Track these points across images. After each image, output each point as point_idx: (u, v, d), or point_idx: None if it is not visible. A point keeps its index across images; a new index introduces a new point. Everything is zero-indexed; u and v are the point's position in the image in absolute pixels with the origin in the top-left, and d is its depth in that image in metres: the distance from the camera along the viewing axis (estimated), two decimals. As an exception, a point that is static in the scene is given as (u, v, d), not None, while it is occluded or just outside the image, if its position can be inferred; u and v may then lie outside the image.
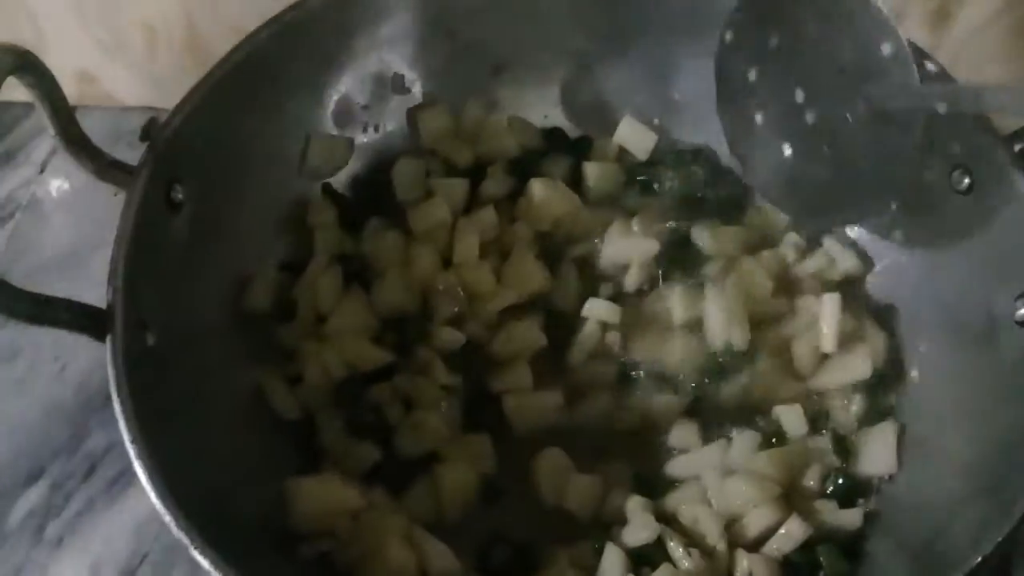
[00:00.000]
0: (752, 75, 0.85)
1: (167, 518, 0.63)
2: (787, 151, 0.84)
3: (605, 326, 0.90)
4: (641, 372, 0.89)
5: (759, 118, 0.85)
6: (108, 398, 0.93)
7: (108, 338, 0.69)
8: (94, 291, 0.71)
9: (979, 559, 0.63)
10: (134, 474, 0.89)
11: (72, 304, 0.70)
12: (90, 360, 0.99)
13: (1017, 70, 1.04)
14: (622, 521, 0.80)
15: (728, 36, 0.85)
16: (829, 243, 0.93)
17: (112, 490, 0.92)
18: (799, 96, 0.82)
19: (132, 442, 0.65)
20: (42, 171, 1.16)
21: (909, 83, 0.74)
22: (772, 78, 0.84)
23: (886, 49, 0.75)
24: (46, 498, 0.92)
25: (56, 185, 1.15)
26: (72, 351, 0.99)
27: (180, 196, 0.79)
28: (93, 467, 0.93)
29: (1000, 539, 0.63)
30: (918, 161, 0.78)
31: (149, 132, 0.78)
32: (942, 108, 0.71)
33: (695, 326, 0.89)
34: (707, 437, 0.86)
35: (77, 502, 0.92)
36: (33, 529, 0.90)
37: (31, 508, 0.91)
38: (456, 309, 0.89)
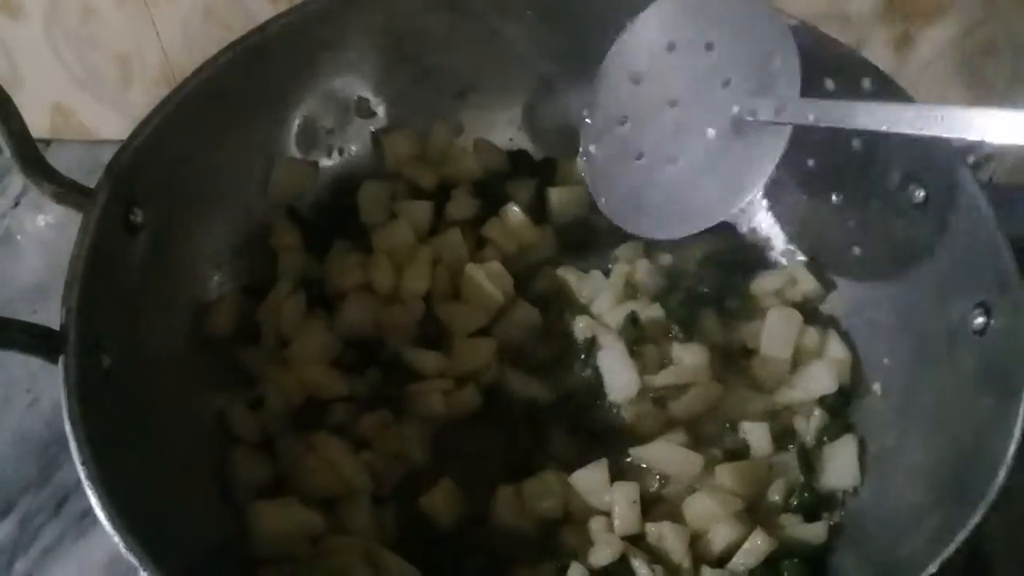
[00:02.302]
0: (634, 82, 0.84)
1: (116, 539, 0.62)
2: (640, 164, 0.83)
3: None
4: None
5: (623, 130, 0.85)
6: (78, 429, 0.95)
7: (60, 359, 0.68)
8: (65, 323, 0.70)
9: (936, 567, 0.62)
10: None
11: (25, 325, 0.69)
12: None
13: (978, 94, 1.05)
14: (587, 543, 0.80)
15: (623, 39, 0.85)
16: (792, 264, 0.94)
17: (82, 524, 0.91)
18: (670, 107, 0.82)
19: (83, 463, 0.64)
20: (16, 205, 1.17)
21: (791, 97, 0.75)
22: (651, 86, 0.83)
23: (779, 63, 0.76)
24: (15, 533, 0.91)
25: (30, 219, 1.16)
26: (43, 384, 0.99)
27: (139, 219, 0.79)
28: (63, 501, 0.93)
29: (957, 546, 0.63)
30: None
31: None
32: (818, 121, 0.73)
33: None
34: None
35: (46, 537, 0.91)
36: (1, 566, 0.89)
37: (-1, 543, 0.90)
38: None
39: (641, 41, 0.84)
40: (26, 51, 1.12)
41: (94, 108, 1.18)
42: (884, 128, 0.70)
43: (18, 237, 1.14)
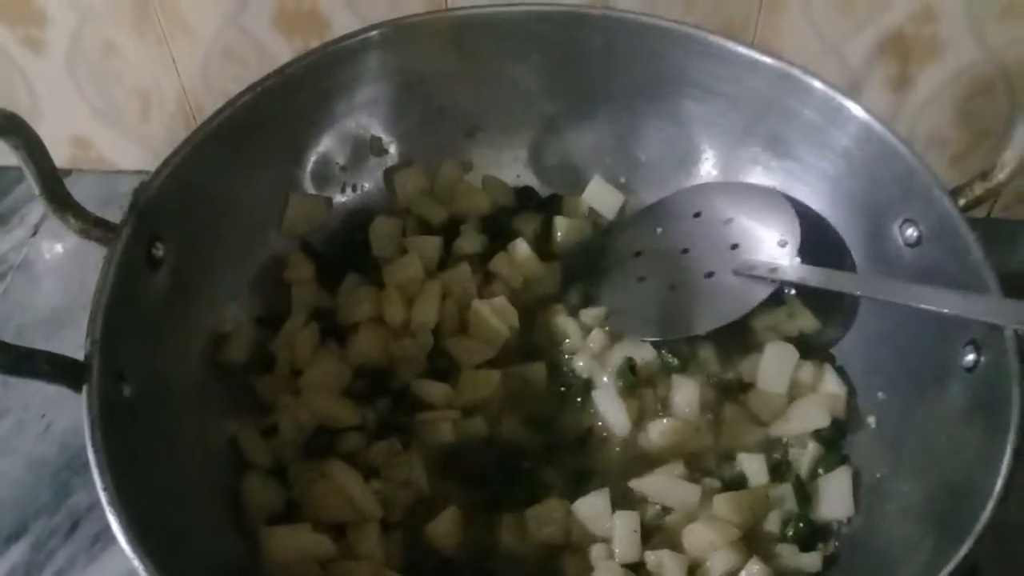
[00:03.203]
0: (657, 230, 1.00)
1: (136, 563, 0.64)
2: (640, 285, 0.97)
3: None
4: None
5: (635, 260, 0.99)
6: (92, 455, 0.96)
7: (84, 388, 0.70)
8: (81, 351, 0.72)
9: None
10: (116, 533, 0.93)
11: (51, 356, 0.71)
12: (74, 418, 0.96)
13: (974, 134, 1.08)
14: (588, 569, 0.82)
15: (661, 202, 1.01)
16: (789, 300, 0.96)
17: (94, 548, 0.93)
18: (681, 253, 0.97)
19: (104, 489, 0.66)
20: (35, 233, 1.19)
21: (787, 263, 0.90)
22: (670, 236, 0.99)
23: (782, 240, 0.92)
24: (28, 556, 0.92)
25: (48, 247, 1.18)
26: (58, 410, 1.02)
27: (161, 253, 0.81)
28: (76, 525, 0.94)
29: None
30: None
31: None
32: (802, 280, 0.89)
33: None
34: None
35: (59, 560, 0.92)
36: (16, 587, 0.90)
37: (13, 565, 0.92)
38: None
39: (675, 206, 1.00)
40: (47, 84, 1.15)
41: (112, 140, 1.21)
42: (859, 293, 0.88)
43: (37, 265, 1.16)
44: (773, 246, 0.92)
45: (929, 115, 1.07)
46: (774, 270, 0.90)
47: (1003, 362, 0.73)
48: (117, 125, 1.19)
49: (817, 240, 0.93)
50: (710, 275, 0.94)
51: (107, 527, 0.91)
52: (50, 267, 1.17)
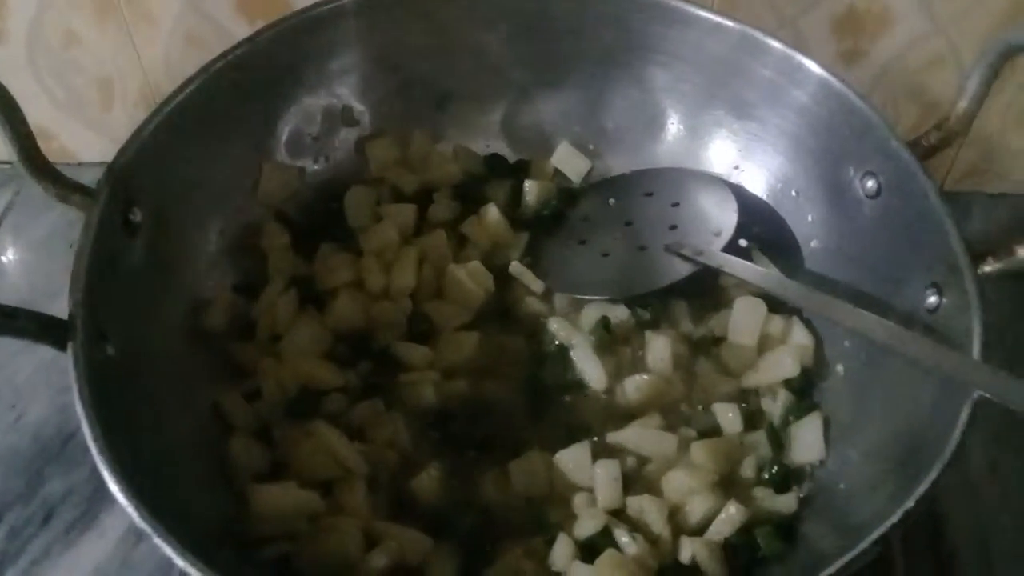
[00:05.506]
0: (608, 201, 1.05)
1: (129, 510, 0.64)
2: (579, 247, 1.02)
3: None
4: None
5: (581, 224, 1.04)
6: (64, 444, 0.96)
7: (69, 346, 0.70)
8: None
9: (893, 523, 0.66)
10: (90, 520, 0.93)
11: (35, 315, 0.72)
12: (46, 408, 1.00)
13: (925, 106, 1.11)
14: (571, 517, 0.83)
15: (620, 176, 1.06)
16: (757, 257, 0.99)
17: (69, 536, 0.93)
18: (624, 225, 1.02)
19: (94, 440, 0.66)
20: (-1, 227, 1.18)
21: (713, 249, 0.95)
22: (618, 209, 1.04)
23: (718, 230, 0.96)
24: (3, 545, 0.92)
25: (12, 240, 1.17)
26: (29, 400, 1.01)
27: (138, 218, 0.82)
28: (50, 514, 0.94)
29: (910, 507, 0.67)
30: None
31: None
32: (720, 266, 0.94)
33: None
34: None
35: (34, 549, 0.92)
36: (-9, 576, 0.90)
37: (-13, 555, 0.91)
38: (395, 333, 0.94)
39: (631, 183, 1.05)
40: (8, 75, 1.09)
41: (76, 132, 1.20)
42: (779, 295, 0.90)
43: (1, 259, 1.16)
44: (709, 234, 0.96)
45: (881, 89, 1.10)
46: (700, 253, 0.95)
47: (963, 302, 0.76)
48: (79, 116, 1.18)
49: (773, 234, 0.98)
50: (642, 248, 0.99)
51: (81, 516, 0.93)
52: (15, 260, 1.16)
